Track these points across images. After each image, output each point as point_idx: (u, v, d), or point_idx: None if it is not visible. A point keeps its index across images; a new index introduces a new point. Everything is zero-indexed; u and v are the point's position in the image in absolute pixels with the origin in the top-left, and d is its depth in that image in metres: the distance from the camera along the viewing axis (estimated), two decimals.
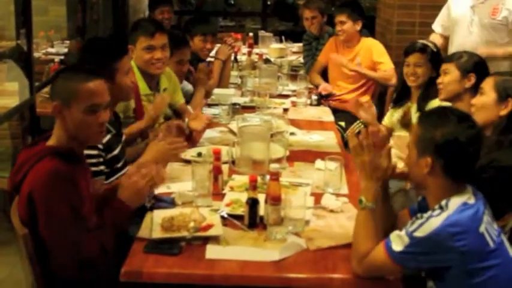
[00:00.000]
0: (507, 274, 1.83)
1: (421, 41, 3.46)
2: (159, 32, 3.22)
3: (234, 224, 2.17)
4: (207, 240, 2.04)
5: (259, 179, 2.32)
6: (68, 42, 5.59)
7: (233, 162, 2.70)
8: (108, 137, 2.43)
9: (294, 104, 3.98)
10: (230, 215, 2.22)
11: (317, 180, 2.58)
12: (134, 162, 2.47)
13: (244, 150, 2.67)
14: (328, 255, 1.99)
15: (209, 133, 3.28)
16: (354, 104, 3.38)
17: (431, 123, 1.91)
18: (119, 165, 2.54)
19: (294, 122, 3.48)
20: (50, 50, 5.38)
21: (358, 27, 4.52)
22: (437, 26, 3.98)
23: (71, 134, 2.07)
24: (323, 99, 4.44)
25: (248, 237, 2.09)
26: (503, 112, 2.38)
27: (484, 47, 3.52)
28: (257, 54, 5.39)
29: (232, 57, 4.80)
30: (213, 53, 4.47)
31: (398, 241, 1.80)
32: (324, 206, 2.34)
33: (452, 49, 3.70)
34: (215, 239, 2.04)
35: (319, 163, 2.75)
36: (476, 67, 2.85)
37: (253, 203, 2.14)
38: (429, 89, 3.23)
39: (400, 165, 2.12)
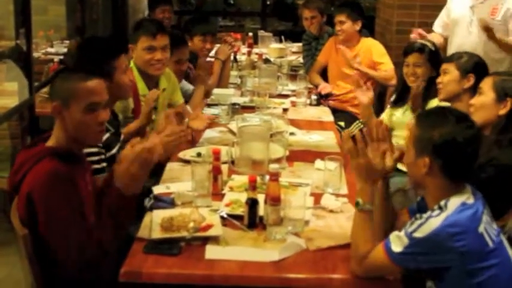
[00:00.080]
0: (506, 274, 1.83)
1: (419, 40, 3.46)
2: (161, 33, 3.22)
3: (233, 224, 2.17)
4: (206, 240, 2.04)
5: (258, 179, 2.32)
6: (67, 42, 5.59)
7: (233, 163, 2.70)
8: (107, 135, 2.43)
9: (293, 104, 3.99)
10: (230, 215, 2.22)
11: (317, 181, 2.58)
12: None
13: (243, 150, 2.67)
14: (328, 256, 1.99)
15: (209, 133, 3.28)
16: (354, 81, 3.37)
17: (429, 123, 1.91)
18: None
19: (293, 122, 3.48)
20: (50, 49, 5.38)
21: (358, 27, 4.52)
22: (437, 26, 3.98)
23: (70, 134, 2.07)
24: (322, 99, 4.44)
25: (248, 238, 2.09)
26: (502, 112, 2.39)
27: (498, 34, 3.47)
28: (257, 54, 5.39)
29: (232, 57, 4.80)
30: (212, 53, 4.47)
31: (397, 242, 1.80)
32: (323, 206, 2.34)
33: (451, 49, 3.70)
34: (215, 239, 2.04)
35: (318, 163, 2.75)
36: (476, 68, 2.86)
37: (252, 203, 2.14)
38: (429, 88, 3.23)
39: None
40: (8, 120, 3.92)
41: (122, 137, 2.73)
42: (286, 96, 4.20)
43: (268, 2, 8.70)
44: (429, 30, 3.95)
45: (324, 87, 4.66)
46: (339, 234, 2.12)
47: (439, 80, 2.99)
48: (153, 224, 2.11)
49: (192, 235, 2.04)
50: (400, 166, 2.23)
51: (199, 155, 2.77)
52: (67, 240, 1.92)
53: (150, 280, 1.89)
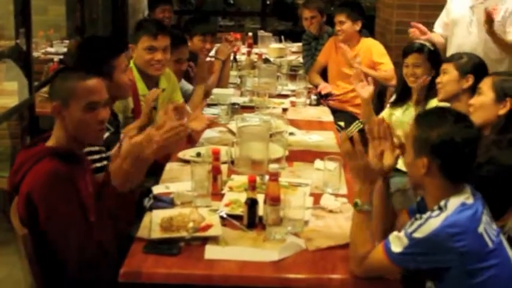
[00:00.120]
0: (506, 274, 1.84)
1: (418, 41, 3.46)
2: (162, 33, 3.22)
3: (233, 224, 2.17)
4: (206, 240, 2.04)
5: (258, 179, 2.32)
6: (67, 41, 5.59)
7: (232, 163, 2.70)
8: (106, 134, 2.43)
9: (293, 104, 3.98)
10: (229, 215, 2.22)
11: (316, 181, 2.58)
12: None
13: (243, 150, 2.67)
14: (327, 256, 1.99)
15: (208, 133, 3.27)
16: (355, 75, 3.37)
17: (428, 123, 1.91)
18: None
19: (293, 122, 3.48)
20: (49, 49, 5.38)
21: (358, 27, 4.52)
22: (438, 27, 3.98)
23: (70, 134, 2.07)
24: (322, 98, 4.44)
25: (247, 238, 2.09)
26: (502, 111, 2.39)
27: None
28: (256, 54, 5.39)
29: (232, 57, 4.80)
30: (212, 53, 4.47)
31: (397, 242, 1.80)
32: (323, 206, 2.34)
33: (451, 49, 3.70)
34: (214, 239, 2.04)
35: (318, 163, 2.75)
36: (475, 69, 2.86)
37: (252, 203, 2.14)
38: (429, 88, 3.24)
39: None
40: (8, 120, 3.92)
41: (122, 136, 2.72)
42: (285, 96, 4.20)
43: (268, 2, 8.70)
44: (429, 30, 3.95)
45: (324, 87, 4.66)
46: (338, 234, 2.12)
47: (438, 80, 3.00)
48: (153, 224, 2.11)
49: (191, 235, 2.04)
50: (400, 166, 2.23)
51: (198, 155, 2.77)
52: (67, 240, 1.93)
53: (150, 280, 1.88)
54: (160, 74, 3.28)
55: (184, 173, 2.64)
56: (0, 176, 3.52)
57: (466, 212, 1.80)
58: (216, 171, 2.44)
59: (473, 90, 2.66)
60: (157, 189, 2.44)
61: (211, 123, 3.42)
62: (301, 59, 5.47)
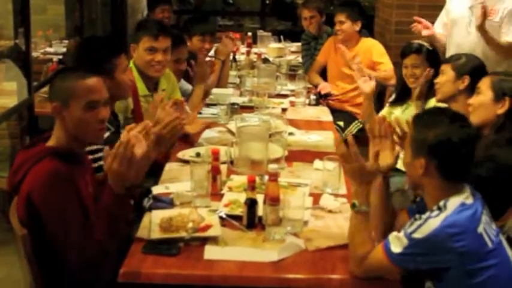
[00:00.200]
0: (506, 274, 1.84)
1: (415, 41, 3.47)
2: (164, 34, 3.22)
3: (232, 224, 2.17)
4: (205, 240, 2.04)
5: (257, 179, 2.32)
6: (66, 41, 5.58)
7: (231, 163, 2.70)
8: (107, 134, 2.43)
9: (292, 103, 3.98)
10: (228, 216, 2.22)
11: (315, 181, 2.58)
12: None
13: (242, 151, 2.67)
14: (327, 256, 1.99)
15: (207, 133, 3.27)
16: (358, 70, 3.37)
17: (425, 124, 1.92)
18: None
19: (292, 122, 3.48)
20: (48, 49, 5.37)
21: (357, 28, 4.52)
22: (438, 27, 3.98)
23: (71, 134, 2.07)
24: (322, 98, 4.44)
25: (247, 238, 2.09)
26: (500, 111, 2.40)
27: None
28: (256, 53, 5.39)
29: (231, 57, 4.80)
30: (211, 53, 4.46)
31: (397, 243, 1.80)
32: (322, 207, 2.34)
33: (450, 49, 3.70)
34: (214, 240, 2.04)
35: (317, 163, 2.75)
36: (472, 70, 2.86)
37: (251, 204, 2.14)
38: (428, 88, 3.24)
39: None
40: (7, 120, 3.92)
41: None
42: (285, 96, 4.20)
43: (267, 2, 8.71)
44: None
45: (324, 87, 4.66)
46: (337, 234, 2.12)
47: (436, 80, 3.00)
48: (152, 224, 2.11)
49: (191, 235, 2.04)
50: (399, 166, 2.23)
51: (198, 155, 2.77)
52: (67, 240, 1.93)
53: (149, 280, 1.88)
54: (160, 75, 3.28)
55: (184, 173, 2.64)
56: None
57: (465, 212, 1.80)
58: (215, 172, 2.44)
59: (470, 91, 2.67)
60: (156, 190, 2.44)
61: (211, 123, 3.42)
62: (300, 59, 5.47)
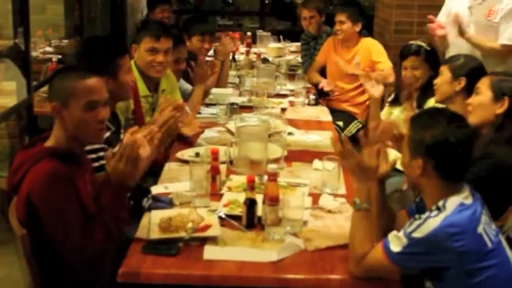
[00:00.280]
0: (505, 274, 1.84)
1: (414, 42, 3.47)
2: (165, 36, 3.21)
3: (232, 224, 2.17)
4: (205, 240, 2.04)
5: (257, 179, 2.32)
6: (65, 41, 5.57)
7: (231, 163, 2.70)
8: (107, 134, 2.43)
9: (292, 103, 3.98)
10: (228, 216, 2.22)
11: (315, 181, 2.58)
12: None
13: (242, 151, 2.67)
14: (326, 256, 1.99)
15: (207, 133, 3.27)
16: (364, 75, 3.38)
17: (422, 124, 1.92)
18: None
19: (291, 122, 3.48)
20: (48, 49, 5.36)
21: (358, 28, 4.51)
22: None
23: (70, 134, 2.07)
24: (322, 96, 4.44)
25: (246, 238, 2.09)
26: (500, 110, 2.41)
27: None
28: (255, 53, 5.39)
29: (231, 57, 4.80)
30: (211, 53, 4.46)
31: (396, 242, 1.80)
32: (321, 207, 2.34)
33: (449, 50, 3.70)
34: (213, 240, 2.04)
35: (317, 163, 2.75)
36: (469, 72, 2.86)
37: (251, 204, 2.14)
38: (427, 88, 3.25)
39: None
40: (6, 120, 3.91)
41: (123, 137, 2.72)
42: (284, 96, 4.20)
43: (266, 2, 8.70)
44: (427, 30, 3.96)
45: (327, 83, 4.63)
46: (337, 234, 2.12)
47: (435, 81, 3.01)
48: (152, 224, 2.11)
49: (190, 235, 2.04)
50: (398, 166, 2.23)
51: (197, 155, 2.77)
52: (67, 240, 1.93)
53: (149, 280, 1.88)
54: (160, 76, 3.27)
55: (183, 173, 2.63)
56: None
57: (465, 212, 1.81)
58: (214, 172, 2.44)
59: (467, 92, 2.68)
60: (156, 190, 2.44)
61: (210, 123, 3.41)
62: (299, 59, 5.47)
